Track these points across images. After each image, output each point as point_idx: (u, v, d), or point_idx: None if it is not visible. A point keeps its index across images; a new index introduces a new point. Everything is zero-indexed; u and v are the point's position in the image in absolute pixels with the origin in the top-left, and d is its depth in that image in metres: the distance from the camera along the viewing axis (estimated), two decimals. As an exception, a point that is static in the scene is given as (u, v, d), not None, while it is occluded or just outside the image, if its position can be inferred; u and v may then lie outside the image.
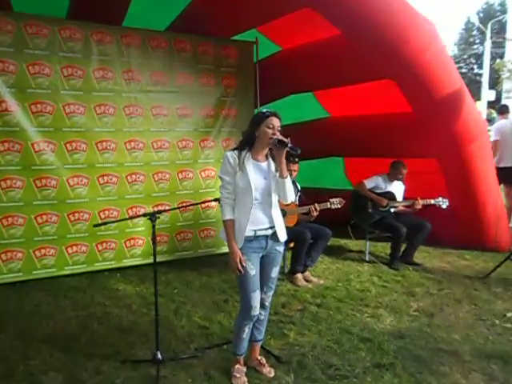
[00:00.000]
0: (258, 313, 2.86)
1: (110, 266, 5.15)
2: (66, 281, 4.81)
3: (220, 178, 2.85)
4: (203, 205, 5.56)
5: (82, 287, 4.66)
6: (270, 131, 2.73)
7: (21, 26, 4.50)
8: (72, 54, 4.76)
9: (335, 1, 4.46)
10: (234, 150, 2.82)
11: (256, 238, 2.80)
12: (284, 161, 2.76)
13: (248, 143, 2.81)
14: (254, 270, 2.80)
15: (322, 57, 5.60)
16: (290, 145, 2.69)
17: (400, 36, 4.62)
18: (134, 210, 5.23)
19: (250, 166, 2.76)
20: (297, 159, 4.71)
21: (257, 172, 2.78)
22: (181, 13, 5.32)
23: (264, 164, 2.83)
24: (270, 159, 2.85)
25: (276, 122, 2.76)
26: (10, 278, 4.67)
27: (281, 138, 2.71)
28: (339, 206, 4.84)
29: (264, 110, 2.83)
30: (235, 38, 5.79)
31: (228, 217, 2.79)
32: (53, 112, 4.72)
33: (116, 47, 4.98)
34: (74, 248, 4.98)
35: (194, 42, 5.41)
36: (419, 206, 5.32)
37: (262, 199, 2.79)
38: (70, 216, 4.92)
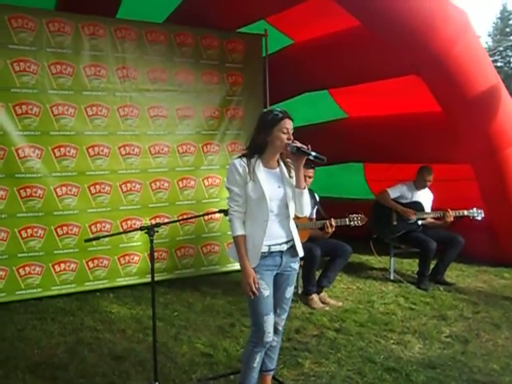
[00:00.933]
0: (271, 339, 2.83)
1: (102, 286, 5.17)
2: (53, 302, 4.82)
3: (228, 189, 2.82)
4: (206, 217, 5.57)
5: (70, 309, 4.66)
6: (285, 136, 2.72)
7: (5, 19, 4.57)
8: (61, 50, 4.83)
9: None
10: (241, 157, 2.80)
11: (270, 254, 2.78)
12: (302, 170, 2.76)
13: (258, 149, 2.79)
14: (267, 291, 2.77)
15: (339, 51, 5.64)
16: (313, 153, 2.67)
17: (427, 26, 4.63)
18: (129, 222, 5.26)
19: (261, 174, 2.74)
20: (312, 165, 4.71)
21: (270, 180, 2.77)
22: (181, 2, 5.36)
23: (276, 170, 2.83)
24: (282, 165, 2.85)
25: (289, 124, 2.74)
26: (-10, 300, 4.70)
27: (300, 145, 2.70)
28: (360, 224, 4.81)
29: (275, 111, 2.77)
30: (242, 30, 5.85)
31: (239, 232, 2.76)
32: (39, 114, 4.78)
33: (109, 41, 5.05)
34: (62, 265, 5.00)
35: (196, 35, 5.47)
36: (451, 219, 5.29)
37: (279, 211, 2.78)
38: (58, 230, 4.95)
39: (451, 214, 5.29)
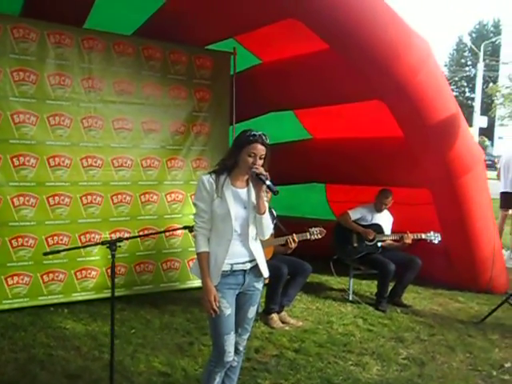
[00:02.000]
0: (231, 359, 2.81)
1: (56, 301, 5.00)
2: (4, 317, 4.63)
3: (194, 205, 2.83)
4: (168, 233, 5.49)
5: (22, 325, 4.48)
6: (251, 160, 2.72)
7: (-34, 22, 4.44)
8: (25, 57, 4.71)
9: (323, 12, 4.55)
10: (210, 173, 2.81)
11: (233, 272, 2.78)
12: (262, 195, 2.77)
13: (227, 167, 2.80)
14: (229, 310, 2.76)
15: (305, 72, 5.71)
16: (268, 182, 2.70)
17: (391, 52, 4.76)
18: (88, 236, 5.13)
19: (228, 192, 2.75)
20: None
21: (236, 200, 2.78)
22: (151, 16, 5.34)
23: (243, 191, 2.83)
24: (251, 186, 2.85)
25: (260, 149, 2.72)
26: None
27: (259, 171, 2.71)
28: (320, 237, 4.86)
29: (251, 133, 2.75)
30: (211, 47, 5.86)
31: (202, 249, 2.77)
32: (-1, 121, 4.62)
33: (76, 51, 4.96)
34: (15, 278, 4.81)
35: (164, 50, 5.44)
36: (409, 241, 5.40)
37: (242, 230, 2.78)
38: (13, 241, 4.77)
39: (409, 236, 5.40)
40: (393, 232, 5.69)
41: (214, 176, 2.77)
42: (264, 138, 2.75)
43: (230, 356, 2.79)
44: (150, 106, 5.40)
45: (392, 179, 5.94)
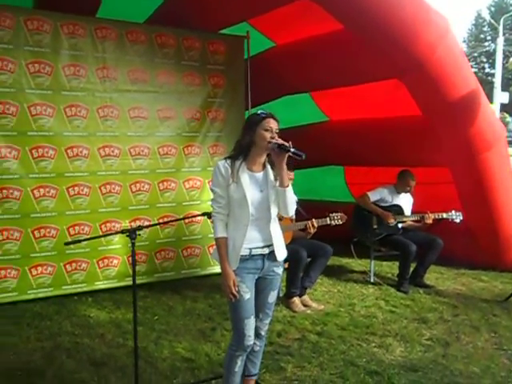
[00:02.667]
0: (252, 342, 2.82)
1: (80, 290, 5.08)
2: (30, 307, 4.72)
3: (211, 190, 2.83)
4: (187, 219, 5.51)
5: (47, 314, 4.56)
6: (268, 134, 2.70)
7: (-19, 16, 4.45)
8: (39, 49, 4.73)
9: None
10: (226, 158, 2.79)
11: (251, 257, 2.77)
12: (285, 168, 2.73)
13: (243, 151, 2.77)
14: (248, 294, 2.76)
15: (320, 54, 5.64)
16: (292, 149, 2.65)
17: (409, 30, 4.66)
18: (109, 225, 5.17)
19: (244, 177, 2.73)
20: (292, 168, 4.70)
21: (252, 184, 2.75)
22: (163, 2, 5.31)
23: (260, 174, 2.80)
24: (269, 168, 2.82)
25: (274, 124, 2.74)
26: (-36, 304, 4.57)
27: (281, 141, 2.68)
28: (340, 222, 4.82)
29: (259, 112, 2.80)
30: (224, 31, 5.81)
31: (220, 234, 2.77)
32: (16, 114, 4.66)
33: (89, 41, 4.96)
34: (39, 269, 4.89)
35: (177, 36, 5.41)
36: (430, 221, 5.33)
37: (259, 214, 2.76)
38: (35, 232, 4.84)
39: (430, 216, 5.33)
40: (413, 213, 5.63)
41: (229, 161, 2.76)
42: (274, 114, 2.78)
43: (250, 340, 2.80)
44: (164, 93, 5.39)
45: (411, 159, 5.87)
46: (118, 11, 5.20)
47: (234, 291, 2.69)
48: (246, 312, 2.77)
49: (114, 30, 5.07)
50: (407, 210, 5.62)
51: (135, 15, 5.39)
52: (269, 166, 2.83)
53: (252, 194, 2.73)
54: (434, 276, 5.76)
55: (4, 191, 4.68)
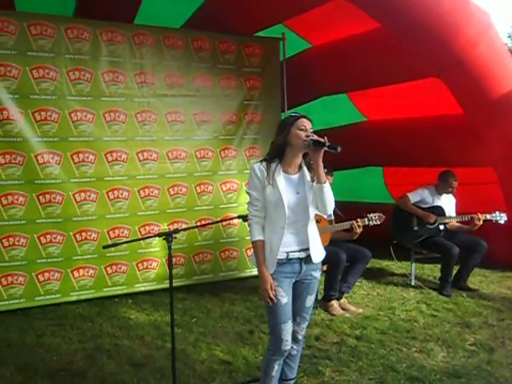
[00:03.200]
0: (289, 347, 2.79)
1: (120, 292, 5.18)
2: (72, 308, 4.84)
3: (247, 193, 2.81)
4: (224, 222, 5.54)
5: (89, 315, 4.67)
6: (303, 133, 2.69)
7: (24, 26, 4.60)
8: (79, 56, 4.86)
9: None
10: (261, 161, 2.79)
11: (288, 261, 2.74)
12: (321, 164, 2.70)
13: (278, 153, 2.76)
14: (285, 298, 2.73)
15: (357, 53, 5.58)
16: (327, 143, 2.63)
17: (449, 27, 4.56)
18: (147, 228, 5.25)
19: (280, 179, 2.71)
20: (331, 170, 4.66)
21: (289, 187, 2.73)
22: (199, 7, 5.37)
23: (296, 176, 2.78)
24: (305, 169, 2.80)
25: (307, 123, 2.73)
26: (10, 305, 4.73)
27: (316, 137, 2.66)
28: (378, 223, 4.74)
29: (291, 114, 2.81)
30: (259, 34, 5.83)
31: (257, 237, 2.74)
32: (58, 120, 4.80)
33: (127, 47, 5.06)
34: (81, 271, 5.01)
35: (213, 40, 5.45)
36: (480, 222, 5.14)
37: (295, 217, 2.73)
38: (77, 235, 4.97)
39: (480, 217, 5.13)
40: (458, 214, 5.48)
41: (264, 163, 2.75)
42: (307, 116, 2.78)
43: (288, 344, 2.77)
44: (201, 97, 5.44)
45: (453, 159, 5.73)
46: (156, 17, 5.30)
47: (271, 295, 2.67)
48: (284, 316, 2.74)
49: (151, 35, 5.16)
50: (449, 211, 5.48)
51: (172, 20, 5.48)
52: (305, 168, 2.81)
53: (288, 196, 2.70)
54: (478, 279, 5.59)
55: (47, 196, 4.81)
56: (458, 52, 4.67)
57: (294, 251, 2.74)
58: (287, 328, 2.75)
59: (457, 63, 4.77)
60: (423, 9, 4.45)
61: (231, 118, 5.62)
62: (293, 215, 2.71)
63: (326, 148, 2.63)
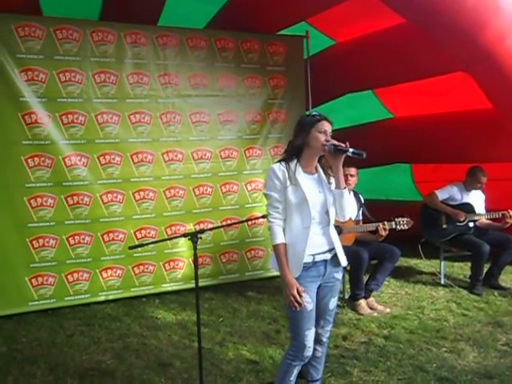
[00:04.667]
0: (311, 353, 2.73)
1: (147, 292, 5.24)
2: (101, 308, 4.92)
3: (266, 195, 2.73)
4: (250, 222, 5.54)
5: (117, 315, 4.74)
6: (323, 136, 2.65)
7: (51, 31, 4.69)
8: (104, 59, 4.92)
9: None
10: (280, 161, 2.73)
11: (314, 264, 2.68)
12: (341, 169, 2.68)
13: (296, 153, 2.72)
14: (311, 305, 2.67)
15: (382, 49, 5.51)
16: (351, 149, 2.60)
17: (476, 20, 4.45)
18: (174, 228, 5.30)
19: (301, 178, 2.67)
20: (354, 162, 4.60)
21: (310, 185, 2.69)
22: (222, 7, 5.38)
23: (314, 176, 2.75)
24: (320, 171, 2.77)
25: (328, 126, 2.69)
26: (41, 305, 4.82)
27: (337, 143, 2.63)
28: (406, 228, 4.68)
29: (313, 114, 2.76)
30: (283, 32, 5.81)
31: (280, 240, 2.66)
32: (85, 122, 4.88)
33: (151, 49, 5.11)
34: (109, 272, 5.09)
35: (236, 40, 5.46)
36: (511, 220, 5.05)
37: (321, 217, 2.69)
38: (104, 236, 5.04)
39: None
40: (487, 211, 5.37)
41: (284, 164, 2.69)
42: (328, 117, 2.73)
43: (310, 351, 2.71)
44: (225, 97, 5.46)
45: (482, 154, 5.61)
46: (179, 18, 5.33)
47: (299, 300, 2.59)
48: (308, 323, 2.68)
49: (175, 36, 5.19)
50: (479, 208, 5.38)
51: (196, 21, 5.51)
52: (320, 169, 2.77)
53: (312, 195, 2.66)
54: (510, 277, 5.48)
55: (75, 197, 4.89)
56: (486, 45, 4.56)
57: (319, 253, 2.69)
58: (311, 334, 2.70)
59: (485, 57, 4.66)
60: (449, 2, 4.37)
61: (255, 117, 5.62)
62: (317, 215, 2.67)
63: (349, 154, 2.60)
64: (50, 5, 4.99)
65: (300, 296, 2.60)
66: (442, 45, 4.87)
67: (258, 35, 5.58)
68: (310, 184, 2.69)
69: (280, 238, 2.67)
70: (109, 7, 5.23)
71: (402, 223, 4.65)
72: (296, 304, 2.60)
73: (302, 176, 2.68)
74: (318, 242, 2.69)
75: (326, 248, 2.72)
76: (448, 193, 5.42)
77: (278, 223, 2.68)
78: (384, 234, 4.59)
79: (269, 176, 2.71)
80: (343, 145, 2.61)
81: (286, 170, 2.66)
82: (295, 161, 2.70)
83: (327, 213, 2.71)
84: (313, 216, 2.65)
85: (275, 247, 2.68)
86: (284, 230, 2.69)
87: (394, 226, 4.64)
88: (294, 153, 2.73)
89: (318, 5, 5.16)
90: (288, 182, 2.64)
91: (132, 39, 5.01)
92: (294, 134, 2.77)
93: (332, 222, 2.75)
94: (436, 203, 5.39)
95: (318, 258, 2.69)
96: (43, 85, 4.70)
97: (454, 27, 4.52)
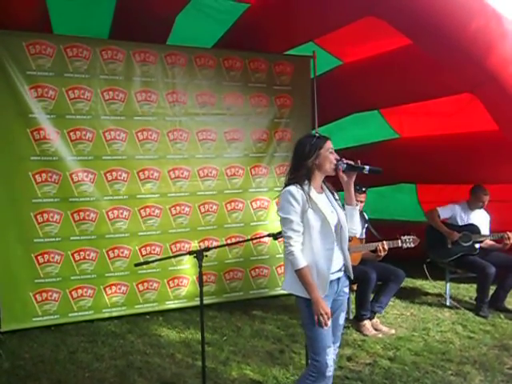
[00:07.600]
0: (332, 373, 2.70)
1: (151, 309, 5.22)
2: (104, 325, 4.91)
3: (284, 219, 2.68)
4: (255, 240, 5.54)
5: (121, 332, 4.73)
6: (333, 156, 2.70)
7: (61, 48, 4.76)
8: (113, 77, 4.98)
9: (405, 7, 4.41)
10: (294, 184, 2.70)
11: (331, 282, 2.70)
12: (353, 186, 2.72)
13: (307, 175, 2.72)
14: (330, 321, 2.66)
15: (389, 70, 5.57)
16: (367, 167, 2.63)
17: (483, 43, 4.49)
18: (179, 245, 5.30)
19: (318, 200, 2.69)
20: (364, 189, 4.63)
21: (324, 206, 2.71)
22: (230, 27, 5.46)
23: (323, 196, 2.79)
24: (325, 189, 2.81)
25: (331, 145, 2.75)
26: (45, 321, 4.81)
27: (351, 162, 2.67)
28: (412, 246, 4.67)
29: (314, 135, 2.80)
30: (290, 52, 5.87)
31: (304, 263, 2.63)
32: (92, 139, 4.92)
33: (160, 67, 5.17)
34: (114, 288, 5.08)
35: (244, 59, 5.53)
36: (510, 241, 5.04)
37: (337, 236, 2.73)
38: (110, 252, 5.05)
39: (510, 236, 5.04)
40: (492, 231, 5.36)
41: (299, 186, 2.68)
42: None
43: (331, 370, 2.69)
44: (231, 115, 5.50)
45: (488, 176, 5.61)
46: (188, 38, 5.39)
47: (327, 320, 2.60)
48: (329, 340, 2.69)
49: (183, 55, 5.25)
50: (484, 229, 5.36)
51: (204, 40, 5.58)
52: (325, 187, 2.81)
53: (330, 216, 2.69)
54: (517, 300, 5.44)
55: (81, 213, 4.91)
56: (492, 68, 4.60)
57: (335, 272, 2.73)
58: (331, 352, 2.69)
59: (491, 79, 4.69)
60: (456, 25, 4.41)
61: (262, 135, 5.66)
62: (336, 234, 2.71)
63: (366, 172, 2.63)
64: (61, 23, 5.08)
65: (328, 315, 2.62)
66: (447, 67, 4.91)
67: (265, 55, 5.65)
68: (325, 205, 2.72)
69: (303, 262, 2.64)
70: (118, 26, 5.31)
71: (408, 241, 4.65)
72: (328, 322, 2.60)
73: (318, 198, 2.70)
74: (336, 261, 2.72)
75: (341, 264, 2.76)
76: (451, 211, 5.43)
77: (299, 247, 2.66)
78: (383, 254, 4.59)
79: (285, 199, 2.67)
80: (358, 164, 2.64)
81: (304, 193, 2.66)
82: (307, 182, 2.71)
83: (341, 230, 2.74)
84: (334, 236, 2.68)
85: (300, 270, 2.64)
86: (302, 251, 2.67)
87: (400, 244, 4.64)
88: (307, 175, 2.72)
89: (325, 25, 5.22)
90: (307, 205, 2.64)
91: (141, 57, 5.07)
92: (300, 157, 2.74)
93: (346, 238, 2.77)
94: (434, 219, 5.40)
95: (334, 276, 2.72)
96: (52, 101, 4.76)
97: (460, 50, 4.56)
